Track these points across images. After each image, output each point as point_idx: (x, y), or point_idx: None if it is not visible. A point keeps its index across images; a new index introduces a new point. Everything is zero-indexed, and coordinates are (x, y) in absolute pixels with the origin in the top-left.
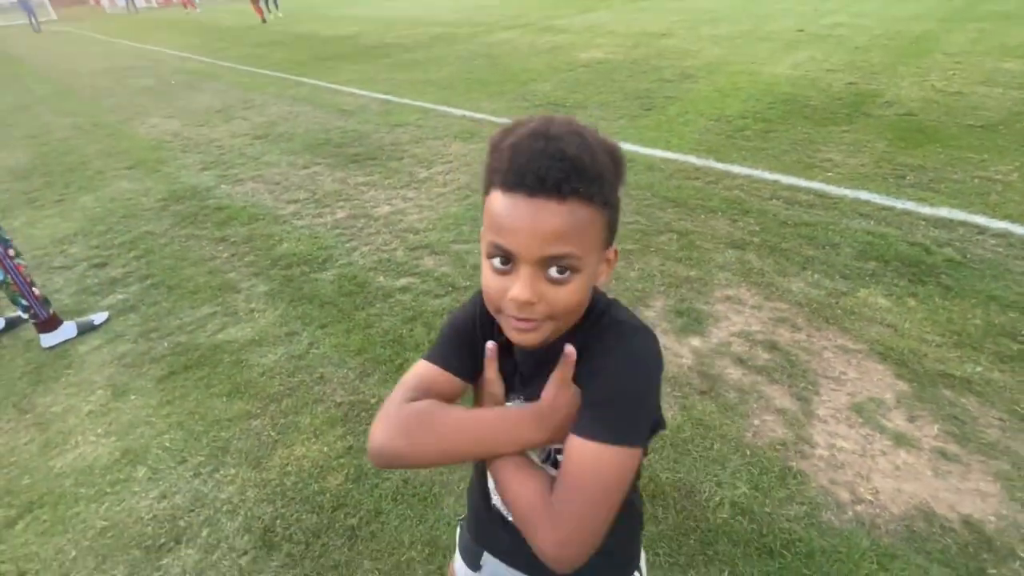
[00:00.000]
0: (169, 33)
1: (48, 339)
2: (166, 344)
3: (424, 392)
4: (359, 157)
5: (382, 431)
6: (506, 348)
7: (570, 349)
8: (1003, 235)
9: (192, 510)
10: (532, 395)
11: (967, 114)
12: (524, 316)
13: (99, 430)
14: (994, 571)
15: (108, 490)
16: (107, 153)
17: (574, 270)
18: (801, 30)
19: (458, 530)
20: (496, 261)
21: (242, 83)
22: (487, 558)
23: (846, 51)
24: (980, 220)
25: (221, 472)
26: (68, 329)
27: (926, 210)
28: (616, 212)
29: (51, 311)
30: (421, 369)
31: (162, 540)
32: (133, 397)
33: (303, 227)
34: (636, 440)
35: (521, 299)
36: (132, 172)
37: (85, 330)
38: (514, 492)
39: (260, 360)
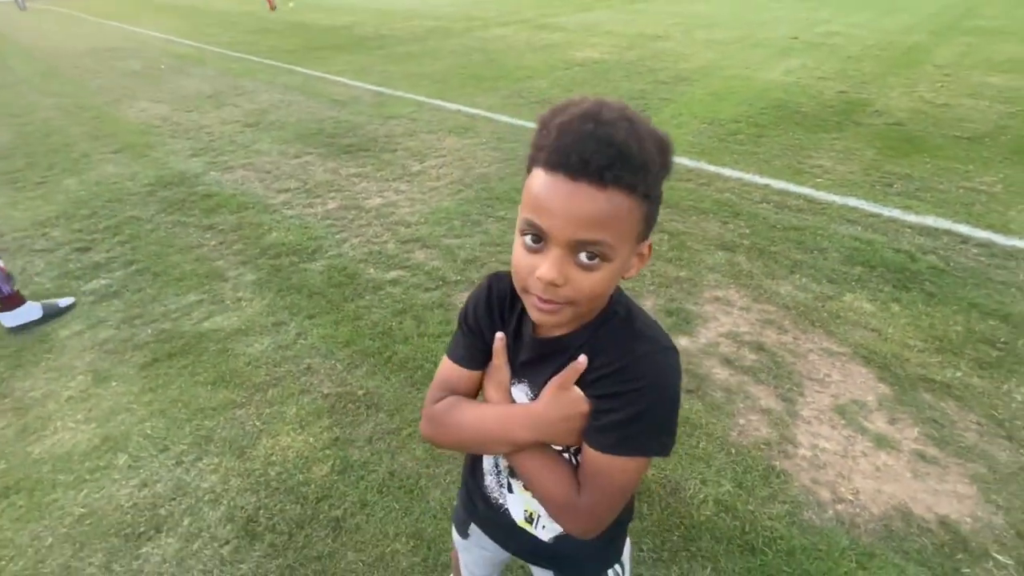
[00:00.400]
0: (159, 16)
1: (8, 319)
2: (150, 331)
3: (448, 389)
4: (351, 148)
5: (422, 425)
6: (514, 336)
7: (582, 359)
8: (985, 245)
9: (173, 499)
10: (535, 381)
11: (954, 125)
12: (548, 297)
13: (79, 416)
14: (968, 570)
15: (87, 477)
16: (92, 136)
17: (604, 258)
18: (795, 38)
19: (456, 502)
20: (528, 239)
21: (233, 69)
22: (474, 528)
23: (838, 60)
24: (963, 229)
25: (204, 461)
26: (32, 310)
27: (912, 218)
28: (656, 205)
29: (14, 288)
30: (444, 367)
31: (142, 528)
32: (115, 383)
33: (293, 217)
34: (657, 452)
35: (547, 278)
36: (118, 156)
37: (51, 314)
38: (543, 488)
39: (246, 349)
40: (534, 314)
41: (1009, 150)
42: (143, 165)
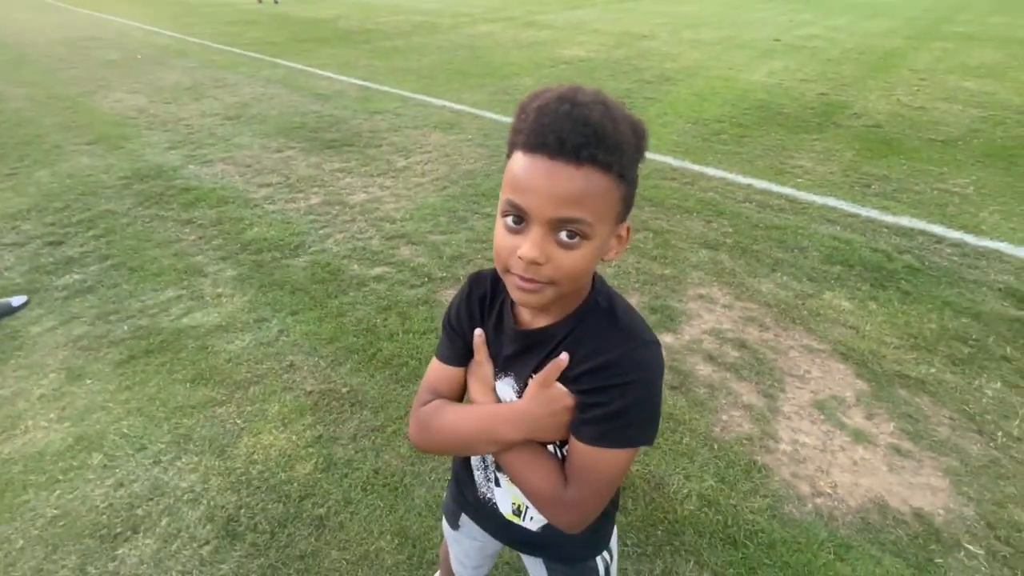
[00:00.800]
0: (136, 5)
1: None
2: (126, 327)
3: (434, 391)
4: (335, 143)
5: (410, 429)
6: (496, 330)
7: (563, 356)
8: (958, 245)
9: (151, 499)
10: (520, 374)
11: (929, 128)
12: (529, 276)
13: (51, 415)
14: (941, 561)
15: (60, 477)
16: (65, 127)
17: (584, 237)
18: (777, 40)
19: (445, 494)
20: (509, 220)
21: (214, 61)
22: (464, 519)
23: (819, 62)
24: (938, 230)
25: (183, 460)
26: None
27: (888, 218)
28: (633, 188)
29: None
30: (431, 369)
31: (118, 529)
32: (89, 381)
33: (275, 212)
34: (643, 442)
35: (529, 257)
36: (92, 148)
37: (2, 312)
38: (530, 484)
39: (227, 346)
40: (516, 294)
41: (981, 153)
42: (118, 157)
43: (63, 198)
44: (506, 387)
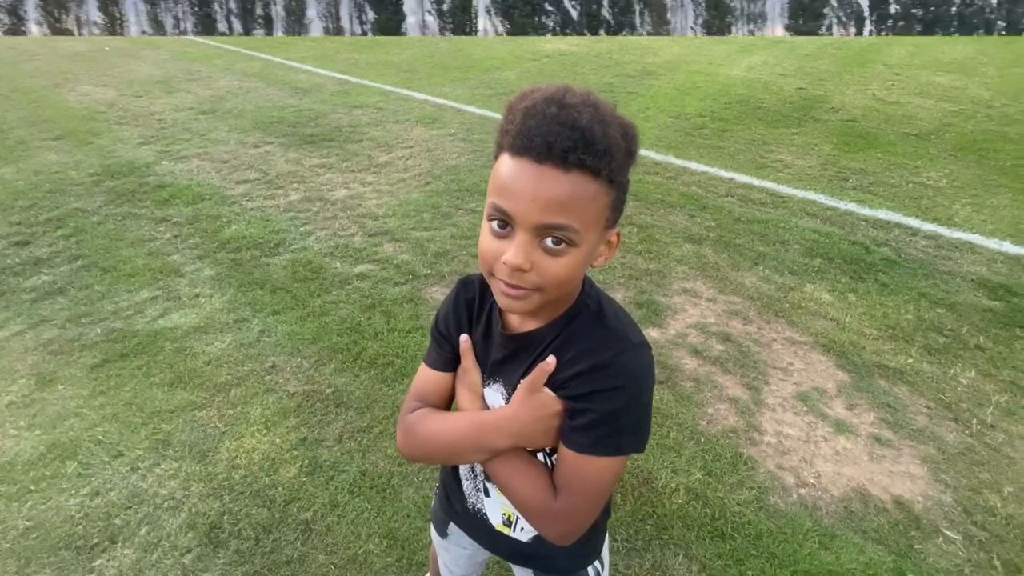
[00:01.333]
0: None
1: None
2: (99, 330)
3: (422, 398)
4: (315, 138)
5: (398, 438)
6: (485, 336)
7: (551, 359)
8: (933, 237)
9: (129, 507)
10: (509, 380)
11: (903, 123)
12: (514, 282)
13: (21, 422)
14: (920, 546)
15: (32, 487)
16: (30, 122)
17: (570, 243)
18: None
19: (433, 501)
20: (495, 224)
21: (186, 53)
22: (453, 527)
23: (797, 57)
24: (913, 222)
25: (162, 466)
26: None
27: (866, 211)
28: (623, 193)
29: None
30: (419, 374)
31: (95, 540)
32: (61, 387)
33: (253, 209)
34: (633, 449)
35: (513, 263)
36: (60, 143)
37: None
38: (518, 494)
39: (206, 348)
40: (501, 300)
41: (953, 147)
42: (87, 153)
43: (29, 196)
44: (495, 394)
